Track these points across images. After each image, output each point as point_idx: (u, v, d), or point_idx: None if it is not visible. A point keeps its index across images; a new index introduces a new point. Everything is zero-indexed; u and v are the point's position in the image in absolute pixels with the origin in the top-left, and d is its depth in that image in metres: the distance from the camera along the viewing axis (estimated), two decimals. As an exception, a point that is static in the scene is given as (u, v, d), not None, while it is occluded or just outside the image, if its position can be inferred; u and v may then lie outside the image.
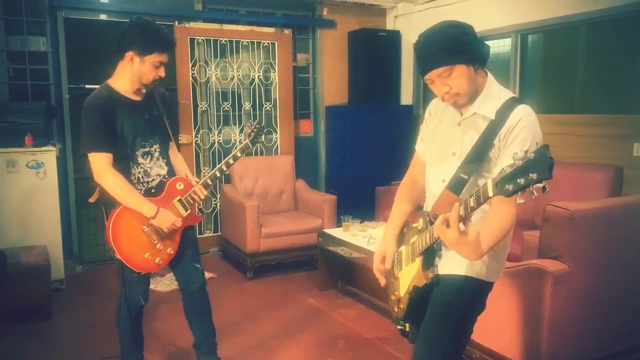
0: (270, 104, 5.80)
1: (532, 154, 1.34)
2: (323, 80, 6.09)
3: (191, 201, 2.55)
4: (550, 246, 2.75)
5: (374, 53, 5.80)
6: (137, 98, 2.53)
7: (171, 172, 2.64)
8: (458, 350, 1.91)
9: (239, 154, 2.59)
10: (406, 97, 6.21)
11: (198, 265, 2.75)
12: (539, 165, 1.32)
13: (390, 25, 6.25)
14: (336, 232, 4.26)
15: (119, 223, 2.48)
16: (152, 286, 3.78)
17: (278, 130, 5.85)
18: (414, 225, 1.93)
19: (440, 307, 1.86)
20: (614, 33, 4.30)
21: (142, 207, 2.44)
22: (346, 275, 4.35)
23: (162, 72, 2.45)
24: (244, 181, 5.26)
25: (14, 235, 4.13)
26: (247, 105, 5.71)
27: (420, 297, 1.89)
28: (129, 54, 2.40)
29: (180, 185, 2.58)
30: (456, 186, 1.78)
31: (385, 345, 3.43)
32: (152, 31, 2.38)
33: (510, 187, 1.36)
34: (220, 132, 5.60)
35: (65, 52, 4.86)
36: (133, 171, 2.52)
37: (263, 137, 2.74)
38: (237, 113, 5.67)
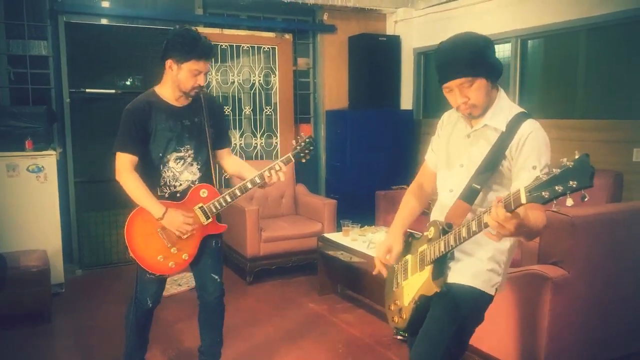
0: (270, 109, 5.81)
1: (572, 162, 1.34)
2: (323, 85, 6.10)
3: (213, 209, 2.55)
4: (550, 252, 2.75)
5: (374, 58, 5.82)
6: (181, 104, 2.56)
7: (204, 179, 2.62)
8: (455, 355, 1.91)
9: (278, 167, 2.54)
10: (406, 102, 6.22)
11: (216, 277, 2.73)
12: (580, 173, 1.33)
13: (390, 30, 6.26)
14: (336, 237, 4.27)
15: (135, 223, 2.51)
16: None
17: (278, 135, 5.85)
18: (425, 233, 1.93)
19: (440, 312, 1.87)
20: (614, 39, 4.31)
21: (151, 208, 2.47)
22: (346, 279, 4.34)
23: (201, 81, 2.46)
24: (244, 185, 5.26)
25: (14, 239, 4.13)
26: (247, 110, 5.72)
27: (427, 306, 1.90)
28: (168, 62, 2.45)
29: (204, 193, 2.58)
30: (469, 196, 1.81)
31: (385, 350, 3.43)
32: (189, 39, 2.42)
33: (546, 194, 1.37)
34: (220, 136, 5.60)
35: (66, 57, 4.88)
36: (163, 174, 2.55)
37: (309, 155, 2.66)
38: (237, 117, 5.68)
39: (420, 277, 1.91)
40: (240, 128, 5.71)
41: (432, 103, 6.13)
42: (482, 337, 2.71)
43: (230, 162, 2.79)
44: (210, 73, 5.45)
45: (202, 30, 5.32)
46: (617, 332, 2.96)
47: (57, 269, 4.27)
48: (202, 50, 2.43)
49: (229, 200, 2.54)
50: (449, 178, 1.94)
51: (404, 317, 1.98)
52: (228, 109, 5.60)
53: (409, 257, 2.03)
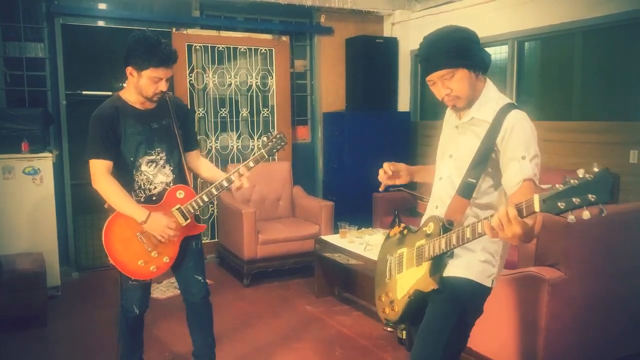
0: (267, 111, 5.81)
1: (591, 175, 1.32)
2: (321, 87, 6.10)
3: (191, 210, 2.53)
4: (546, 254, 2.75)
5: (371, 60, 5.82)
6: (146, 107, 2.54)
7: (178, 180, 2.61)
8: (456, 349, 1.92)
9: (252, 164, 2.54)
10: (403, 103, 6.23)
11: (200, 278, 2.72)
12: (600, 187, 1.31)
13: (387, 32, 6.26)
14: (333, 239, 4.26)
15: (113, 229, 2.48)
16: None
17: (275, 137, 5.84)
18: (423, 228, 1.93)
19: (439, 307, 1.88)
20: (611, 40, 4.32)
21: (133, 213, 2.44)
22: (343, 281, 4.34)
23: (162, 86, 2.44)
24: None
25: (10, 241, 4.11)
26: (244, 112, 5.71)
27: (421, 301, 1.91)
28: (128, 69, 2.43)
29: (180, 194, 2.56)
30: (466, 191, 1.83)
31: (382, 352, 3.42)
32: (147, 46, 2.36)
33: (562, 204, 1.35)
34: (217, 138, 5.60)
35: (63, 59, 4.86)
36: (136, 178, 2.53)
37: (281, 149, 2.67)
38: (234, 119, 5.67)
39: (417, 273, 1.90)
40: (237, 130, 5.70)
41: (430, 105, 6.13)
42: (479, 339, 2.71)
43: (202, 165, 2.76)
44: (207, 75, 5.45)
45: (199, 32, 5.35)
46: (614, 334, 2.95)
47: (53, 272, 4.26)
48: (160, 58, 2.38)
49: (206, 199, 2.53)
50: (439, 167, 1.99)
51: (396, 310, 1.99)
52: (225, 111, 5.59)
53: (404, 250, 2.02)
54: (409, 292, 1.93)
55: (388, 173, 2.14)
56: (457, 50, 1.75)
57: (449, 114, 2.03)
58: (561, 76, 4.73)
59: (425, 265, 1.86)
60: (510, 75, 4.97)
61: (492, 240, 1.85)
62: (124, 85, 2.60)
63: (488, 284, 1.89)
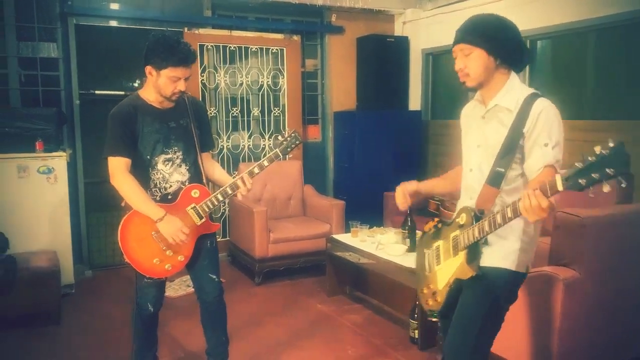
0: (278, 110, 5.82)
1: (607, 150, 1.41)
2: (331, 86, 6.10)
3: (206, 209, 2.55)
4: (561, 253, 2.73)
5: (382, 59, 5.81)
6: (165, 107, 2.56)
7: (194, 179, 2.62)
8: (489, 335, 1.99)
9: (266, 163, 2.54)
10: (414, 102, 6.21)
11: (214, 276, 2.73)
12: (616, 160, 1.40)
13: (398, 31, 6.25)
14: (345, 238, 4.26)
15: (129, 227, 2.50)
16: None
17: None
18: (456, 220, 2.00)
19: (472, 295, 1.95)
20: (624, 39, 4.28)
21: (149, 211, 2.46)
22: (355, 281, 4.34)
23: (181, 86, 2.46)
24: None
25: (25, 240, 4.15)
26: (255, 111, 5.73)
27: (460, 289, 1.98)
28: (148, 68, 2.46)
29: (195, 193, 2.57)
30: (495, 180, 1.89)
31: (394, 351, 3.42)
32: (166, 46, 2.40)
33: (583, 181, 1.44)
34: (229, 137, 5.62)
35: (76, 59, 4.91)
36: (152, 176, 2.56)
37: (295, 148, 2.67)
38: (245, 119, 5.69)
39: (455, 262, 1.97)
40: (248, 129, 5.72)
41: (441, 104, 6.11)
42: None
43: (212, 167, 2.77)
44: (219, 74, 5.47)
45: (210, 32, 5.36)
46: (629, 333, 2.93)
47: (67, 270, 4.30)
48: (179, 57, 2.41)
49: (220, 199, 2.54)
50: (468, 159, 2.05)
51: (439, 300, 2.06)
52: (236, 110, 5.61)
53: (440, 243, 2.09)
54: (449, 282, 2.00)
55: (406, 200, 2.20)
56: (483, 31, 1.87)
57: (470, 108, 2.10)
58: (574, 75, 4.69)
59: (462, 255, 1.93)
60: (523, 74, 4.94)
61: (526, 226, 1.92)
62: (135, 85, 2.63)
63: (523, 270, 1.96)
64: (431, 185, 2.27)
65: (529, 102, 1.83)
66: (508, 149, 1.86)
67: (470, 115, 2.10)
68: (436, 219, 2.18)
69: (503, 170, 1.87)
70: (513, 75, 1.94)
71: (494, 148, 1.91)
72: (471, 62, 1.89)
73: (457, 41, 1.92)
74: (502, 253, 1.92)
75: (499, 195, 1.90)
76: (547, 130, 1.78)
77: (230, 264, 5.37)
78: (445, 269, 2.03)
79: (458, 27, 1.95)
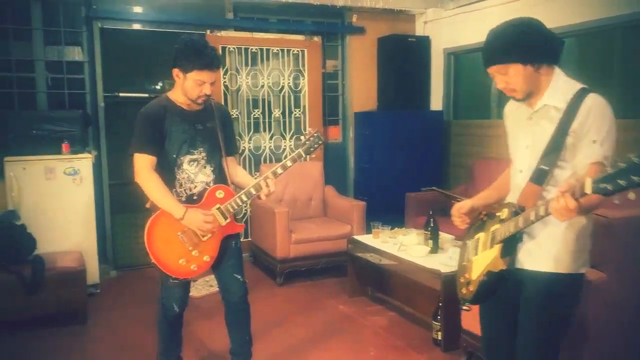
0: (299, 111, 5.84)
1: (637, 158, 1.40)
2: (352, 87, 6.09)
3: (230, 209, 2.57)
4: (587, 254, 2.69)
5: (403, 59, 5.79)
6: (192, 109, 2.60)
7: (218, 181, 2.65)
8: (559, 342, 1.99)
9: (289, 164, 2.57)
10: (436, 102, 6.17)
11: (239, 277, 2.76)
12: None
13: (419, 30, 6.22)
14: (366, 239, 4.25)
15: (155, 228, 2.53)
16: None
17: (307, 137, 5.86)
18: (498, 214, 2.01)
19: (536, 311, 1.94)
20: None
21: (171, 208, 2.49)
22: (377, 282, 4.33)
23: (207, 90, 2.50)
24: (273, 187, 5.28)
25: (51, 240, 4.22)
26: (277, 112, 5.75)
27: (493, 281, 1.98)
28: (175, 71, 2.51)
29: (220, 194, 2.60)
30: (539, 178, 1.88)
31: (417, 353, 3.40)
32: (193, 50, 2.45)
33: (609, 186, 1.43)
34: (250, 139, 5.66)
35: (101, 61, 4.98)
36: (177, 176, 2.59)
37: (318, 148, 2.69)
38: (267, 120, 5.72)
39: (490, 254, 1.99)
40: (270, 130, 5.75)
41: (463, 104, 6.05)
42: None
43: (235, 170, 2.79)
44: (240, 76, 5.51)
45: (232, 34, 5.40)
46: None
47: (92, 270, 4.37)
48: (204, 61, 2.45)
49: (245, 199, 2.57)
50: (517, 160, 2.03)
51: (471, 289, 2.08)
52: (258, 111, 5.64)
53: (481, 235, 2.11)
54: (482, 272, 2.01)
55: (464, 219, 2.19)
56: (510, 46, 1.82)
57: (514, 108, 2.07)
58: (599, 73, 4.61)
59: (497, 247, 1.94)
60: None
61: (583, 225, 1.89)
62: (158, 87, 2.67)
63: (579, 270, 1.93)
64: (484, 198, 2.24)
65: (579, 98, 1.80)
66: (554, 146, 1.83)
67: (514, 115, 2.07)
68: (484, 212, 2.17)
69: (547, 168, 1.85)
70: (557, 71, 1.90)
71: (542, 148, 1.89)
72: (511, 79, 1.85)
73: (489, 64, 1.89)
74: (550, 256, 1.89)
75: (541, 194, 1.88)
76: (597, 126, 1.76)
77: (252, 264, 5.40)
78: (481, 260, 2.04)
79: (483, 49, 1.91)
